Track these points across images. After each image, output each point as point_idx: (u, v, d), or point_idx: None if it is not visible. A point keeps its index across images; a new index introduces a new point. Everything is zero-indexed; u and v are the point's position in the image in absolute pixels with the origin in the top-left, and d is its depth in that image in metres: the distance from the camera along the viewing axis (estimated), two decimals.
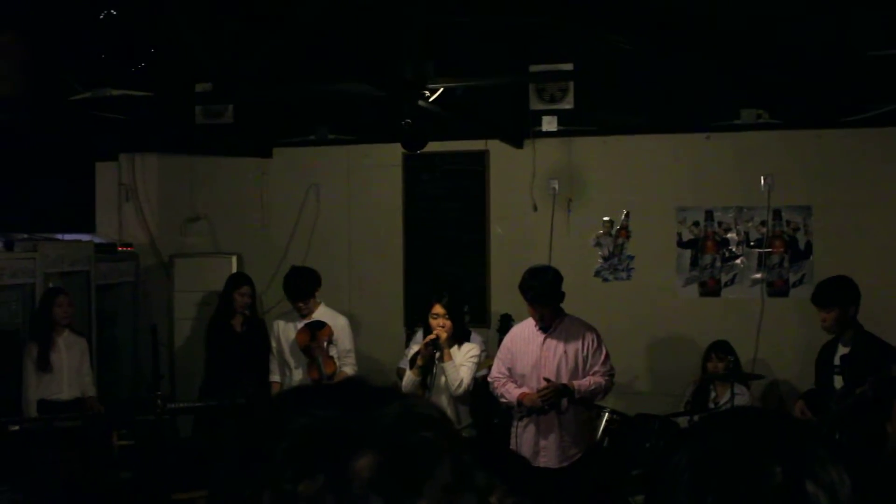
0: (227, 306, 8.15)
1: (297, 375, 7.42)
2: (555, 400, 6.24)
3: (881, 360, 5.89)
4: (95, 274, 8.88)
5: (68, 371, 7.52)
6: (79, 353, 7.65)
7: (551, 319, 6.35)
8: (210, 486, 1.05)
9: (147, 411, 7.15)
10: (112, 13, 5.27)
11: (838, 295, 6.23)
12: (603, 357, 6.36)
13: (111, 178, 9.92)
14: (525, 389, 6.34)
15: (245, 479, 0.97)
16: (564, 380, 6.26)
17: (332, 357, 7.31)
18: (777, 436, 1.34)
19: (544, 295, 6.26)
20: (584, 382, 6.27)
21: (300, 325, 7.40)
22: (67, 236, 9.00)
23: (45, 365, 7.40)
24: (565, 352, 6.31)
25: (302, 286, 7.46)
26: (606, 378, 6.35)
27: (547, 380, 6.24)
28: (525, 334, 6.48)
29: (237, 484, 0.98)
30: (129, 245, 9.75)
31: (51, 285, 7.97)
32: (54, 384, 7.45)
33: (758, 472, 1.27)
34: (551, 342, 6.35)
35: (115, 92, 6.67)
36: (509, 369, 6.47)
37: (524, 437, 6.36)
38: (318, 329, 7.31)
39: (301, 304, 7.42)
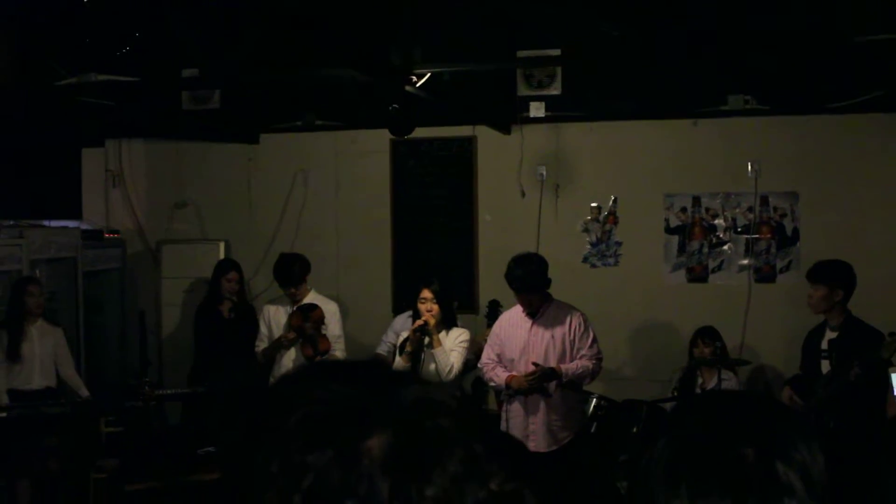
0: (215, 293, 8.15)
1: (288, 360, 7.42)
2: (542, 383, 6.27)
3: (868, 344, 5.92)
4: (82, 260, 8.84)
5: (40, 361, 7.43)
6: (52, 343, 7.55)
7: (539, 305, 6.38)
8: (222, 455, 1.06)
9: (135, 398, 7.14)
10: None
11: (829, 273, 6.26)
12: (590, 340, 6.39)
13: (98, 165, 9.89)
14: (514, 373, 6.37)
15: (256, 447, 0.98)
16: (552, 364, 6.29)
17: (324, 335, 7.35)
18: (748, 418, 1.35)
19: (529, 284, 6.29)
20: (572, 366, 6.31)
21: (291, 310, 7.42)
22: (54, 223, 8.96)
23: (15, 355, 7.32)
24: (552, 336, 6.34)
25: (293, 272, 7.48)
26: (594, 361, 6.39)
27: (535, 364, 6.26)
28: (513, 320, 6.52)
29: (248, 452, 0.99)
30: (116, 231, 9.72)
31: (36, 271, 7.93)
32: (24, 374, 7.37)
33: (729, 455, 1.28)
34: (539, 327, 6.37)
35: (101, 77, 6.63)
36: (498, 355, 6.50)
37: (514, 422, 6.39)
38: (310, 311, 7.35)
39: (293, 290, 7.46)
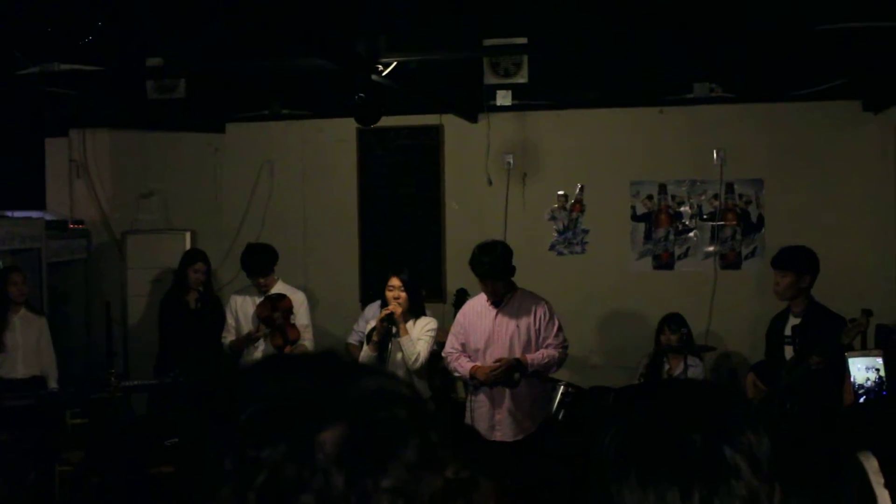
0: (182, 283, 8.10)
1: (258, 351, 7.40)
2: (507, 376, 6.27)
3: (831, 332, 5.97)
4: (47, 251, 8.78)
5: (24, 349, 7.43)
6: (36, 332, 7.55)
7: (503, 294, 6.37)
8: (178, 451, 1.05)
9: (101, 389, 7.09)
10: None
11: (796, 260, 6.31)
12: (555, 329, 6.38)
13: (62, 154, 9.79)
14: (478, 363, 6.36)
15: (209, 442, 0.97)
16: (517, 353, 6.28)
17: (293, 324, 7.34)
18: (696, 405, 1.38)
19: (494, 270, 6.27)
20: (537, 356, 6.30)
21: (258, 300, 7.40)
22: (17, 213, 8.87)
23: None
24: (517, 326, 6.33)
25: (261, 262, 7.47)
26: (560, 350, 6.38)
27: (498, 360, 6.26)
28: (477, 309, 6.50)
29: (201, 447, 0.97)
30: (81, 222, 9.64)
31: (1, 264, 7.87)
32: (8, 363, 7.35)
33: (677, 442, 1.31)
34: (503, 317, 6.36)
35: (64, 66, 6.56)
36: (462, 344, 6.49)
37: (479, 412, 6.39)
38: (278, 300, 7.33)
39: (261, 280, 7.44)
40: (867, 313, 5.88)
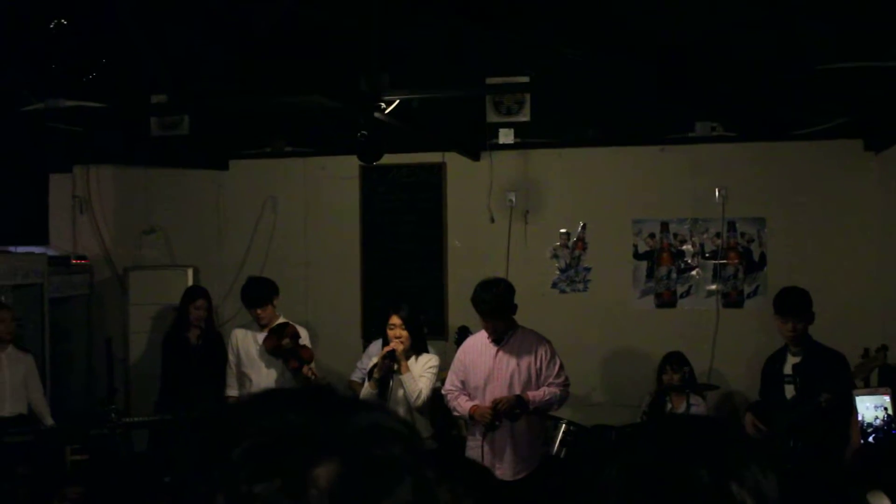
0: (183, 320, 8.08)
1: (269, 379, 7.34)
2: (510, 412, 6.22)
3: (836, 369, 5.94)
4: (49, 287, 8.77)
5: (11, 387, 7.38)
6: (23, 370, 7.50)
7: (504, 332, 6.34)
8: (174, 487, 1.04)
9: (101, 425, 7.06)
10: (62, 23, 5.22)
11: (806, 305, 6.29)
12: (557, 368, 6.34)
13: (65, 190, 9.81)
14: (477, 402, 6.33)
15: (202, 477, 0.96)
16: (517, 391, 6.23)
17: (304, 345, 7.30)
18: (701, 440, 1.37)
19: (496, 308, 6.24)
20: (539, 393, 6.26)
21: (260, 336, 7.36)
22: (20, 249, 8.88)
23: None
24: (518, 364, 6.29)
25: (258, 293, 7.44)
26: (562, 388, 6.34)
27: (496, 401, 6.23)
28: (478, 347, 6.46)
29: (194, 483, 0.97)
30: (84, 258, 9.65)
31: (2, 298, 7.86)
32: None
33: (684, 477, 1.29)
34: (504, 355, 6.33)
35: (69, 103, 6.59)
36: (462, 382, 6.46)
37: (478, 453, 6.32)
38: (282, 329, 7.31)
39: (259, 312, 7.39)
40: (883, 349, 5.85)
